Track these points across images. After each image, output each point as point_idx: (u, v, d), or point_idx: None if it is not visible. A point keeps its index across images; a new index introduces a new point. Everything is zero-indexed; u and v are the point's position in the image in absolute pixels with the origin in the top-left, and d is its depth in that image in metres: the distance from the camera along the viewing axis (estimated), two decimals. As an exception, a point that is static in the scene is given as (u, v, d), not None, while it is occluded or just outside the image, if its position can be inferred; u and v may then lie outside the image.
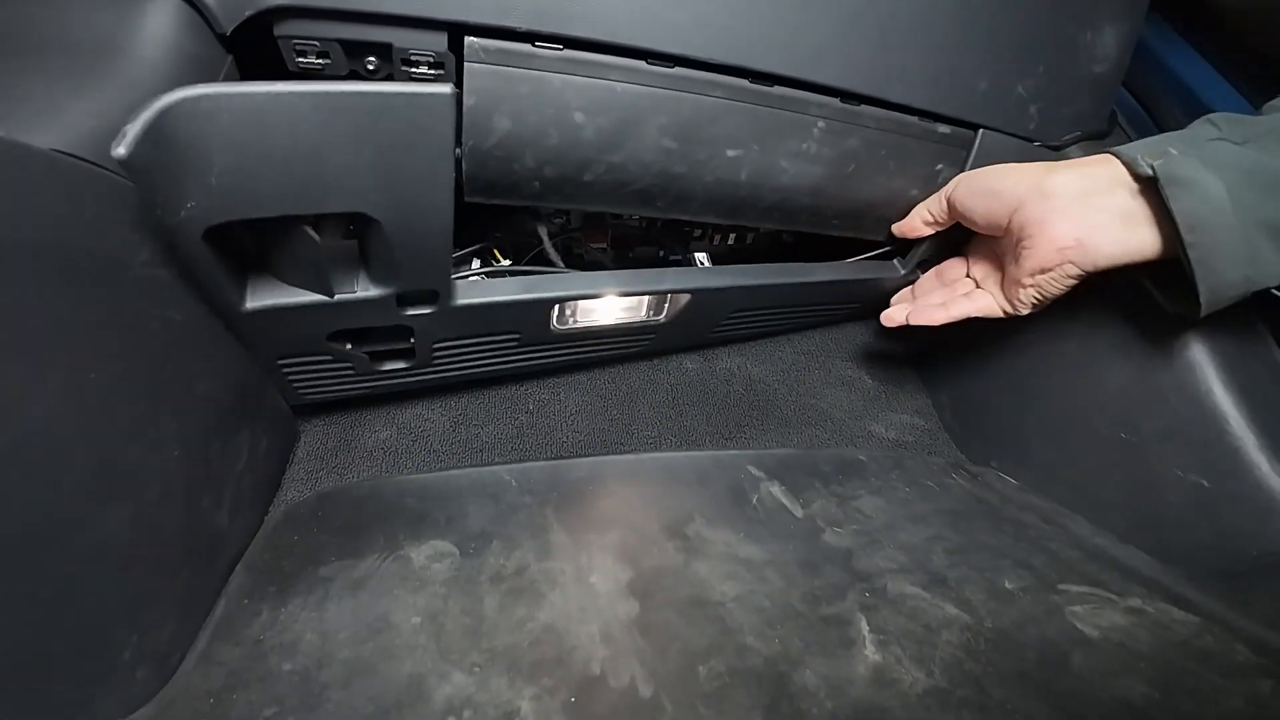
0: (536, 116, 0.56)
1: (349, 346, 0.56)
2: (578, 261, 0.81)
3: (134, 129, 0.29)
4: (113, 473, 0.37)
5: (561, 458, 0.66)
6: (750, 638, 0.47)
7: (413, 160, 0.36)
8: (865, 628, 0.49)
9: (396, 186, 0.37)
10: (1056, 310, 0.65)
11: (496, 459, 0.66)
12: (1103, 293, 0.62)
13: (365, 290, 0.48)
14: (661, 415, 0.71)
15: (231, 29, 0.46)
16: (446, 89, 0.33)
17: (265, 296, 0.48)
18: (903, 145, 0.64)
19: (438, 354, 0.61)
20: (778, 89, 0.58)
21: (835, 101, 0.60)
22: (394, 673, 0.43)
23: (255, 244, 0.48)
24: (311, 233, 0.44)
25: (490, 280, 0.53)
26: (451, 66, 0.53)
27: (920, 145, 0.65)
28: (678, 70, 0.56)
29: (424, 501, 0.58)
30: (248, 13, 0.46)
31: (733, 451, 0.65)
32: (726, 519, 0.59)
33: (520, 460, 0.66)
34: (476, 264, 0.79)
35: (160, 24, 0.43)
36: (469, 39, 0.52)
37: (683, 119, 0.58)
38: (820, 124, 0.61)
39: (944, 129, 0.64)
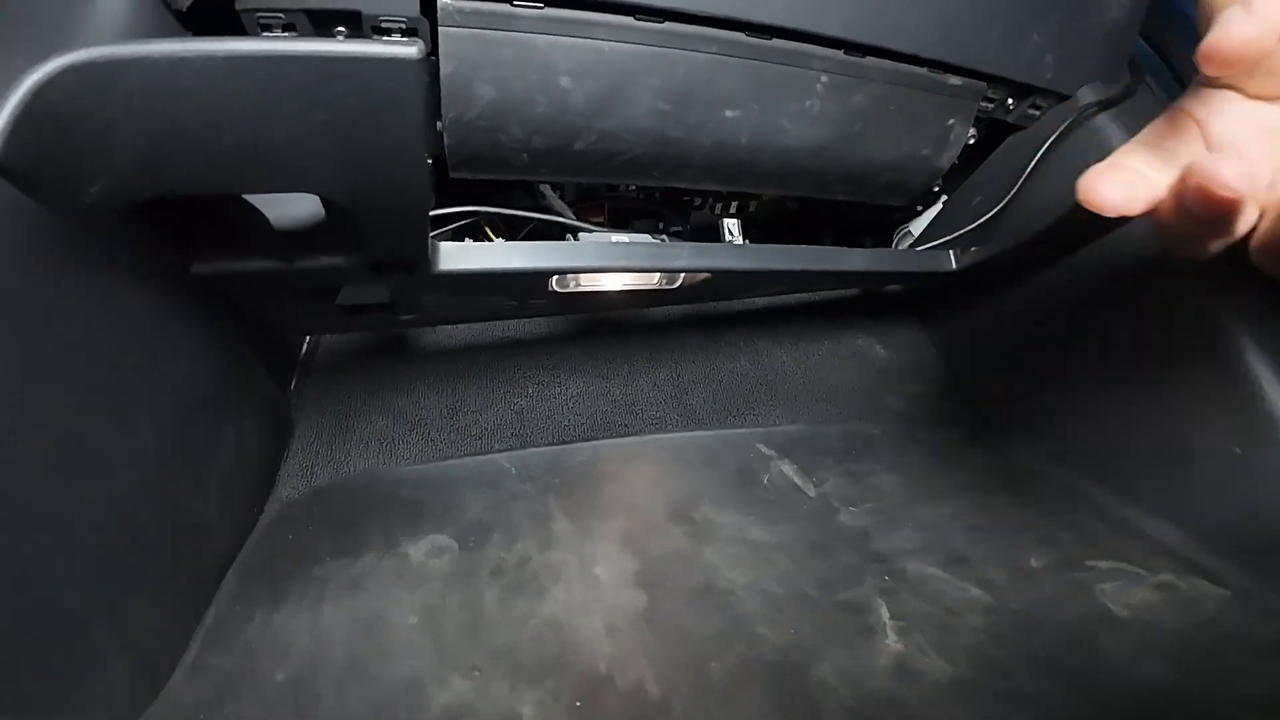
0: (521, 83, 0.50)
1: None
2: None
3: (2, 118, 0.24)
4: (78, 462, 0.34)
5: (563, 443, 0.62)
6: (763, 628, 0.44)
7: (376, 136, 0.31)
8: (885, 614, 0.45)
9: (357, 166, 0.32)
10: (1080, 269, 0.60)
11: (496, 445, 0.62)
12: (1129, 253, 0.56)
13: (331, 258, 0.43)
14: (665, 394, 0.67)
15: (188, 4, 0.41)
16: (412, 50, 0.28)
17: (214, 262, 0.43)
18: (912, 100, 0.58)
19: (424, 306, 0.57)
20: (776, 42, 0.53)
21: (839, 54, 0.55)
22: (390, 677, 0.40)
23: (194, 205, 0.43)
24: (254, 207, 0.39)
25: (478, 246, 0.48)
26: (426, 32, 0.48)
27: (930, 100, 0.59)
28: (669, 25, 0.50)
29: (422, 493, 0.54)
30: None
31: (740, 430, 0.61)
32: (735, 500, 0.55)
33: (521, 446, 0.62)
34: (467, 241, 0.74)
35: (118, 5, 0.38)
36: (441, 1, 0.46)
37: (676, 79, 0.53)
38: (823, 79, 0.55)
39: (955, 80, 0.58)
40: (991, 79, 0.59)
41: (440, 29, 0.47)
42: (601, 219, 0.75)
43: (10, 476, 0.30)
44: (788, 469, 0.58)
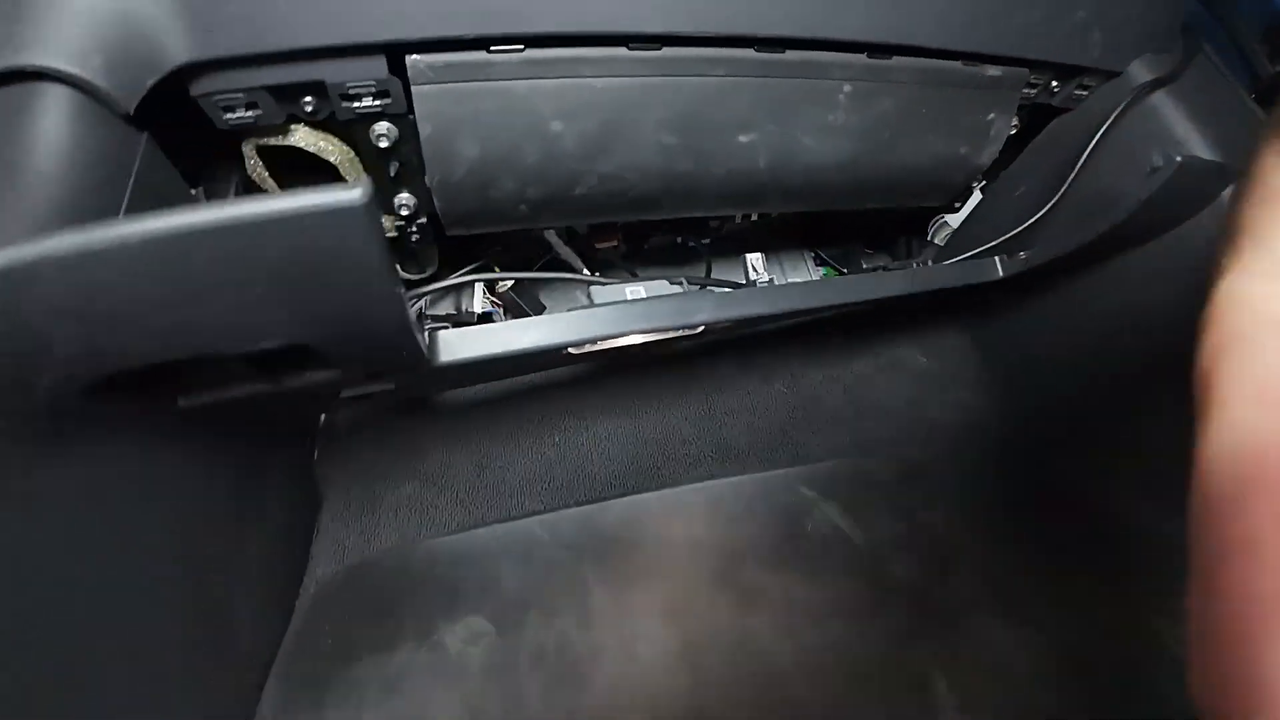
0: (507, 134, 0.46)
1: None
2: (587, 262, 0.71)
3: None
4: (105, 580, 0.33)
5: (594, 499, 0.59)
6: (818, 711, 0.41)
7: (334, 280, 0.27)
8: (943, 687, 0.42)
9: (318, 312, 0.29)
10: (1141, 267, 0.53)
11: (526, 502, 0.60)
12: (1196, 251, 0.50)
13: (320, 374, 0.40)
14: (698, 429, 0.64)
15: (135, 106, 0.37)
16: (356, 195, 0.24)
17: (199, 395, 0.40)
18: (946, 98, 0.51)
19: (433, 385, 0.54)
20: (791, 54, 0.46)
21: (861, 59, 0.48)
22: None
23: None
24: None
25: (480, 331, 0.45)
26: (399, 91, 0.43)
27: (966, 95, 0.52)
28: (666, 52, 0.44)
29: (455, 569, 0.53)
30: (149, 82, 0.37)
31: (780, 471, 0.57)
32: (780, 556, 0.52)
33: (553, 500, 0.60)
34: (479, 289, 0.70)
35: (51, 124, 0.34)
36: (410, 58, 0.42)
37: (680, 108, 0.47)
38: (846, 88, 0.49)
39: (993, 71, 0.51)
40: (1034, 64, 0.51)
41: (413, 88, 0.43)
42: (615, 241, 0.70)
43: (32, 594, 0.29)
44: (833, 512, 0.54)
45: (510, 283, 0.69)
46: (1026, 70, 0.52)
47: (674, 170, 0.50)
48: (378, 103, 0.44)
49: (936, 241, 0.72)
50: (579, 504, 0.59)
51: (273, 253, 0.25)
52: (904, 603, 0.47)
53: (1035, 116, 0.58)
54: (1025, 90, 0.53)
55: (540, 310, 0.71)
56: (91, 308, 0.24)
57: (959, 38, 0.48)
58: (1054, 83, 0.54)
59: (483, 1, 0.40)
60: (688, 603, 0.49)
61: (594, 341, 0.46)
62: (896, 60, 0.48)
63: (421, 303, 0.68)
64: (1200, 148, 0.50)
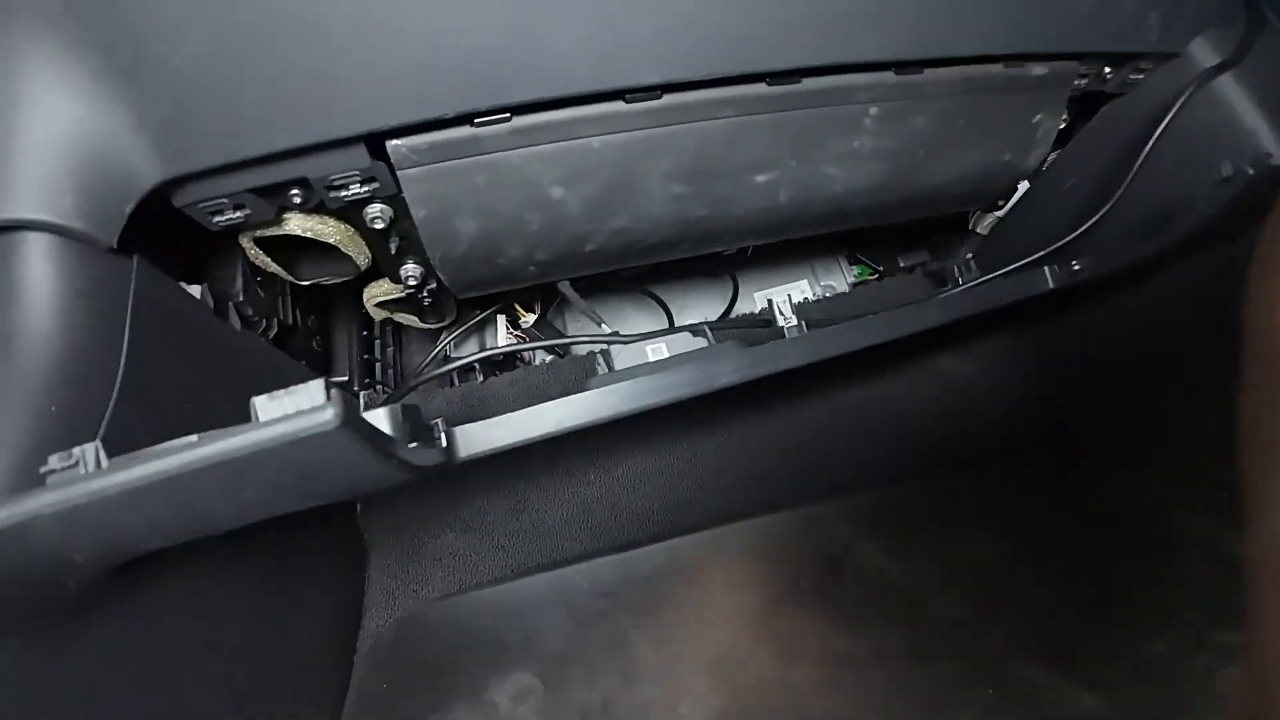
0: (505, 206, 0.43)
1: None
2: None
3: None
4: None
5: (631, 538, 0.58)
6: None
7: (327, 480, 0.26)
8: (991, 744, 0.41)
9: (324, 489, 0.28)
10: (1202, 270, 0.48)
11: (565, 544, 0.60)
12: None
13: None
14: (731, 461, 0.62)
15: (118, 237, 0.36)
16: (328, 416, 0.22)
17: None
18: (986, 105, 0.45)
19: None
20: (808, 83, 0.41)
21: (888, 77, 0.42)
22: None
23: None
24: None
25: (500, 422, 0.43)
26: (386, 175, 0.40)
27: (1009, 98, 0.45)
28: (668, 99, 0.40)
29: (500, 620, 0.53)
30: (127, 209, 0.36)
31: (817, 506, 0.55)
32: (819, 600, 0.50)
33: (591, 541, 0.59)
34: (502, 323, 0.68)
35: (33, 274, 0.33)
36: (391, 144, 0.38)
37: (689, 156, 0.43)
38: (873, 111, 0.43)
39: (1039, 70, 0.44)
40: (1085, 56, 0.44)
41: (399, 173, 0.40)
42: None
43: None
44: (872, 550, 0.52)
45: (533, 318, 0.67)
46: (1077, 63, 0.45)
47: (688, 217, 0.46)
48: (365, 188, 0.41)
49: (979, 231, 0.66)
50: (617, 545, 0.59)
51: (258, 473, 0.24)
52: (948, 649, 0.46)
53: (1085, 104, 0.51)
54: (1075, 82, 0.46)
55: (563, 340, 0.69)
56: (98, 535, 0.24)
57: (1000, 39, 0.42)
58: (1106, 69, 0.47)
59: (457, 76, 0.36)
60: (729, 654, 0.49)
61: (610, 421, 0.44)
62: (930, 73, 0.42)
63: (448, 345, 0.67)
64: (1271, 140, 0.43)
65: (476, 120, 0.38)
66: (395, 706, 0.50)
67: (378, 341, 0.70)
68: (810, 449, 0.61)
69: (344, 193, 0.41)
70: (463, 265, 0.45)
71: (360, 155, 0.39)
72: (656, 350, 0.48)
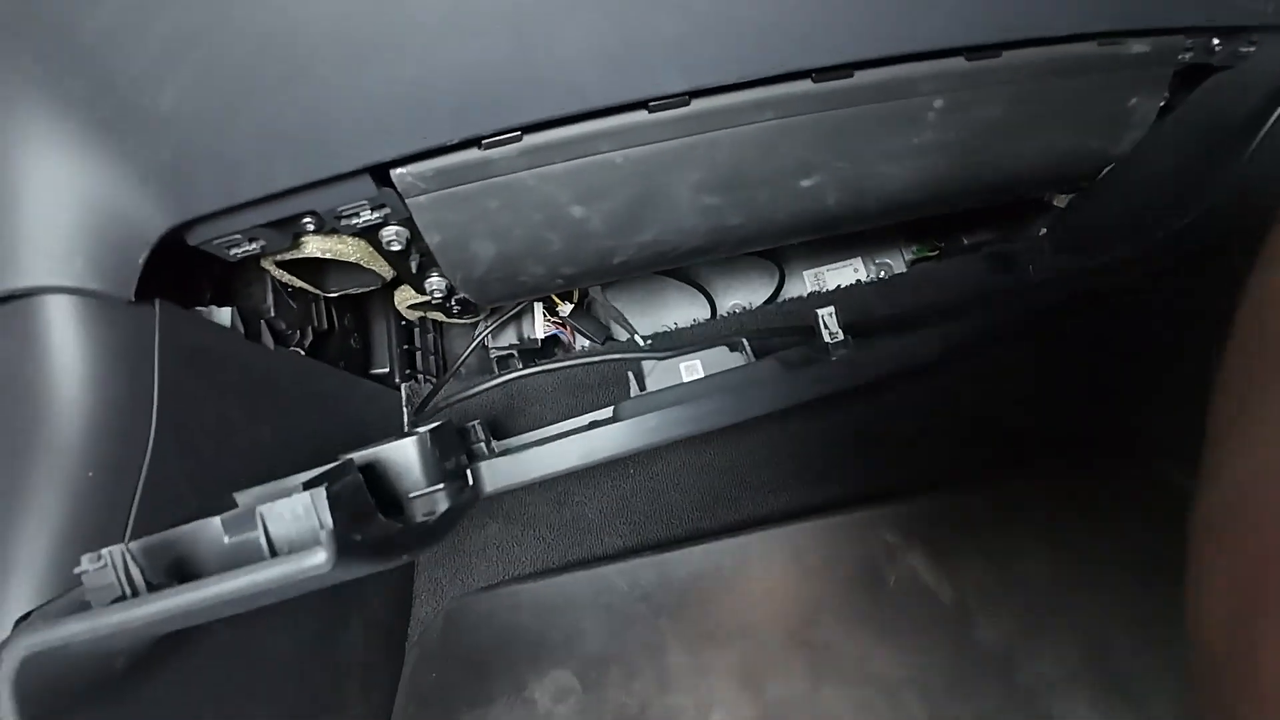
0: (523, 228, 0.39)
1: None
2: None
3: None
4: None
5: (673, 535, 0.58)
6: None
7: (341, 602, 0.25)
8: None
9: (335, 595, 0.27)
10: None
11: (606, 538, 0.59)
12: None
13: None
14: (775, 452, 0.59)
15: (135, 290, 0.35)
16: (320, 559, 0.21)
17: None
18: (1073, 88, 0.38)
19: None
20: (861, 77, 0.35)
21: (957, 64, 0.35)
22: None
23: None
24: None
25: (524, 457, 0.42)
26: (396, 202, 0.38)
27: (1102, 80, 0.38)
28: (697, 105, 0.35)
29: (541, 617, 0.54)
30: (140, 259, 0.35)
31: (863, 511, 0.52)
32: (859, 612, 0.48)
33: (632, 536, 0.59)
34: (539, 312, 0.66)
35: (56, 339, 0.33)
36: (396, 173, 0.36)
37: (723, 166, 0.38)
38: (938, 103, 0.37)
39: (1140, 46, 0.36)
40: (1194, 30, 0.36)
41: (408, 201, 0.37)
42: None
43: None
44: (918, 562, 0.49)
45: (570, 307, 0.65)
46: (1182, 38, 0.36)
47: (723, 225, 0.42)
48: (377, 215, 0.39)
49: (1056, 204, 0.57)
50: (657, 541, 0.58)
51: (265, 598, 0.23)
52: (991, 681, 0.44)
53: (1186, 80, 0.42)
54: (1179, 57, 0.38)
55: (603, 331, 0.66)
56: (132, 638, 0.24)
57: (1092, 14, 0.34)
58: (1215, 42, 0.38)
59: (457, 99, 0.33)
60: (763, 665, 0.48)
61: (637, 453, 0.42)
62: (1008, 56, 0.35)
63: (487, 335, 0.65)
64: None
65: (484, 142, 0.35)
66: (443, 700, 0.52)
67: (417, 330, 0.69)
68: (859, 446, 0.58)
69: (355, 220, 0.39)
70: (484, 284, 0.43)
71: (366, 185, 0.36)
72: (691, 368, 0.45)
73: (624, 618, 0.53)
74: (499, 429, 0.64)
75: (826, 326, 0.43)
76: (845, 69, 0.34)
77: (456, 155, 0.35)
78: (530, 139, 0.35)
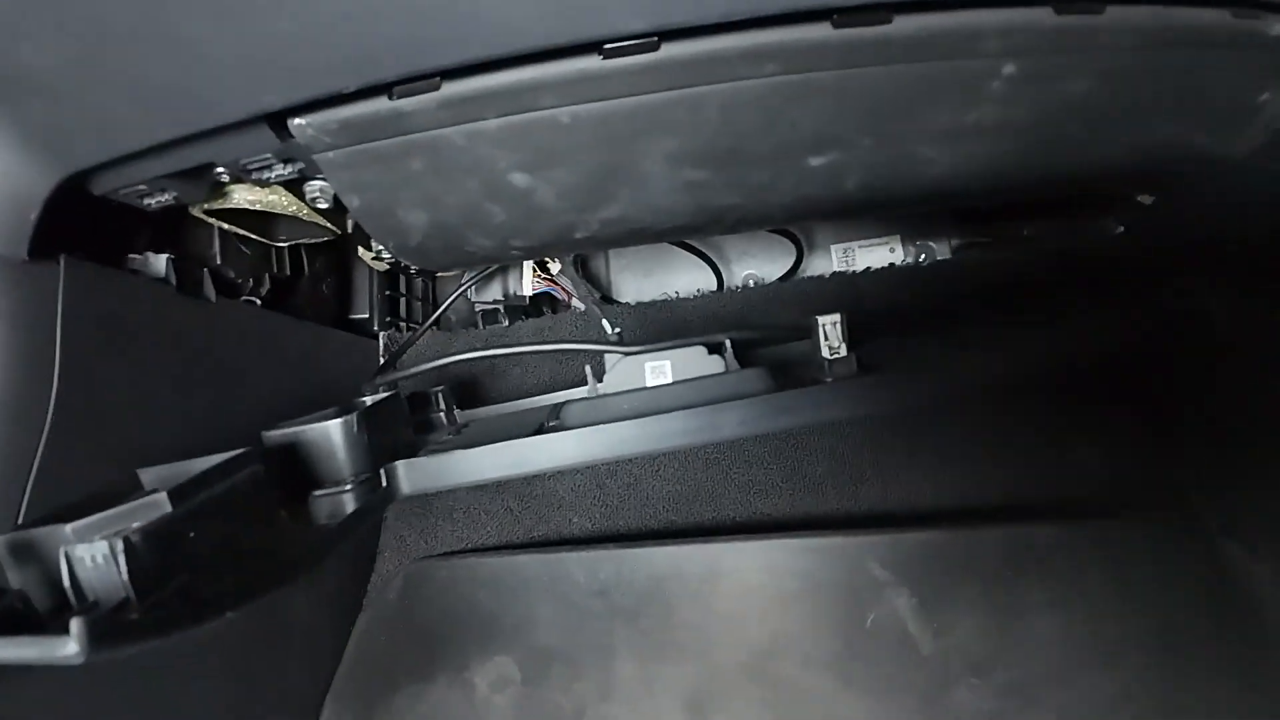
0: (456, 197, 0.32)
1: None
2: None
3: None
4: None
5: (646, 526, 0.53)
6: None
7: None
8: None
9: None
10: None
11: (575, 518, 0.55)
12: None
13: None
14: (770, 449, 0.52)
15: (29, 249, 0.31)
16: (71, 649, 0.17)
17: None
18: (1187, 69, 0.27)
19: None
20: (903, 22, 0.25)
21: (1044, 15, 0.25)
22: None
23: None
24: None
25: (446, 460, 0.36)
26: (306, 155, 0.31)
27: (1225, 62, 0.26)
28: (667, 52, 0.26)
29: (496, 596, 0.51)
30: (32, 216, 0.30)
31: (852, 536, 0.45)
32: (826, 653, 0.42)
33: (603, 519, 0.54)
34: (529, 270, 0.58)
35: None
36: (293, 123, 0.29)
37: (706, 134, 0.29)
38: (1008, 69, 0.27)
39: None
40: None
41: (314, 157, 0.30)
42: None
43: None
44: (903, 606, 0.43)
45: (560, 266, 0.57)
46: None
47: (709, 205, 0.33)
48: (290, 168, 0.32)
49: (1141, 199, 0.45)
50: (627, 532, 0.53)
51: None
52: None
53: None
54: None
55: (599, 289, 0.59)
56: None
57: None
58: None
59: (356, 36, 0.25)
60: (712, 693, 0.43)
61: (579, 466, 0.36)
62: (1113, 14, 0.25)
63: (471, 288, 0.59)
64: None
65: (395, 90, 0.27)
66: (386, 668, 0.51)
67: (402, 275, 0.63)
68: (865, 449, 0.50)
69: (267, 173, 0.32)
70: (424, 254, 0.36)
71: (266, 137, 0.29)
72: (657, 370, 0.38)
73: (578, 612, 0.49)
74: (478, 391, 0.60)
75: (827, 338, 0.35)
76: (880, 9, 0.25)
77: (362, 104, 0.28)
78: (450, 87, 0.27)
